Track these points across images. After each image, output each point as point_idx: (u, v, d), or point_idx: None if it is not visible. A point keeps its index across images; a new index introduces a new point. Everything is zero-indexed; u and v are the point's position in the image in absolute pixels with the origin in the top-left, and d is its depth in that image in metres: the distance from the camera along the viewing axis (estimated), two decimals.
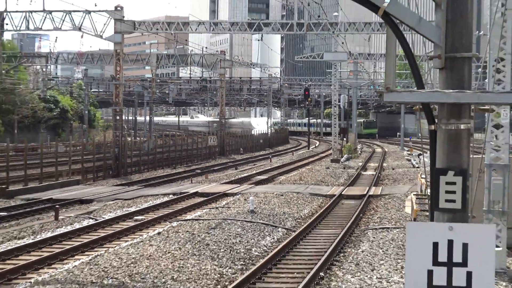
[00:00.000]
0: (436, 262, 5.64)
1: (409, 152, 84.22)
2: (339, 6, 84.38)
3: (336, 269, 21.52)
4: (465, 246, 5.61)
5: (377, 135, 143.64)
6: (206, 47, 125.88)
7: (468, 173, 5.82)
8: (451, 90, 5.66)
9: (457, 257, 5.61)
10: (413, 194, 34.12)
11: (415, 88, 6.04)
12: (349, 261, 22.54)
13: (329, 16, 70.62)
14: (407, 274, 5.77)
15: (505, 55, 20.04)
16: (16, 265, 21.09)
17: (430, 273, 5.65)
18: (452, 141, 5.76)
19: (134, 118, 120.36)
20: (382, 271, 20.65)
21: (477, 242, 5.61)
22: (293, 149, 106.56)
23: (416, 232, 5.75)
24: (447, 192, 5.73)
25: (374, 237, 26.52)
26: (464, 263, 5.61)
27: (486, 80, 20.70)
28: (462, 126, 5.77)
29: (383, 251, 23.72)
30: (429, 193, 6.03)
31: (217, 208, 33.87)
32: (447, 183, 5.72)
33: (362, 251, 23.89)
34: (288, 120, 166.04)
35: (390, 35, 5.93)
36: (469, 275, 5.61)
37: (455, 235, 5.63)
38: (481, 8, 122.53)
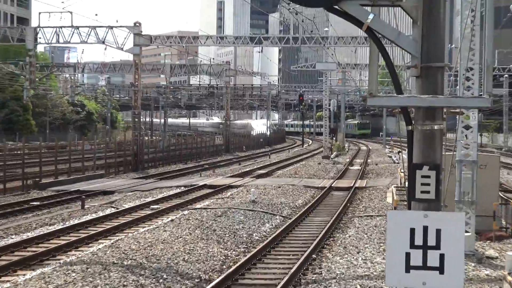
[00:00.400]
0: (413, 246, 5.64)
1: (390, 150, 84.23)
2: (329, 22, 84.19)
3: (327, 251, 21.55)
4: (438, 232, 5.61)
5: (357, 135, 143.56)
6: (213, 58, 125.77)
7: (441, 168, 5.82)
8: (426, 96, 5.66)
9: (431, 241, 5.61)
10: (394, 186, 34.15)
11: (395, 93, 6.04)
12: (337, 244, 22.56)
13: (320, 31, 70.58)
14: (388, 256, 5.77)
15: (474, 65, 20.11)
16: (48, 248, 21.13)
17: (408, 255, 5.65)
18: (427, 140, 5.76)
19: (150, 120, 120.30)
20: (366, 253, 20.68)
21: (448, 228, 5.61)
22: (289, 147, 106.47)
23: (396, 219, 5.75)
24: (422, 184, 5.74)
25: (359, 224, 26.55)
26: (437, 246, 5.61)
27: (457, 87, 20.67)
28: (435, 127, 5.77)
29: (367, 236, 23.74)
30: (407, 185, 6.04)
31: (222, 198, 33.92)
32: (422, 176, 5.72)
33: (349, 236, 23.92)
34: (285, 122, 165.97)
35: (373, 47, 5.94)
36: (441, 257, 5.61)
37: (430, 222, 5.63)
38: (453, 24, 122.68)
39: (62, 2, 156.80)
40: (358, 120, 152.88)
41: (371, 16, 5.69)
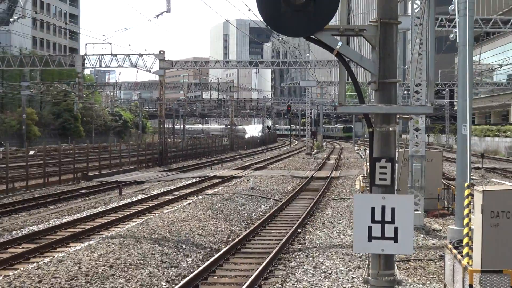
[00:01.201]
0: (373, 221, 5.65)
1: (358, 148, 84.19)
2: (310, 49, 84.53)
3: (309, 226, 21.56)
4: (393, 210, 5.62)
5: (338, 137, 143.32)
6: (220, 78, 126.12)
7: (394, 160, 5.82)
8: (383, 104, 5.66)
9: (388, 217, 5.62)
10: (361, 176, 34.19)
11: (359, 103, 6.04)
12: (317, 221, 22.57)
13: (303, 56, 70.63)
14: (355, 229, 5.77)
15: (421, 81, 20.17)
16: (93, 225, 21.19)
17: (370, 228, 5.66)
18: (384, 139, 5.76)
19: (172, 126, 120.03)
20: (340, 228, 20.69)
21: (401, 207, 5.62)
22: (280, 146, 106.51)
23: (360, 200, 5.75)
24: (381, 173, 5.74)
25: (334, 205, 26.56)
26: (392, 221, 5.62)
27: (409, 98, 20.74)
28: (390, 129, 5.77)
29: (340, 214, 23.75)
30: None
31: (228, 186, 33.89)
32: (380, 167, 5.72)
33: (326, 214, 23.93)
34: (277, 126, 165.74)
35: (342, 68, 5.94)
36: (396, 229, 5.62)
37: (386, 202, 5.64)
38: (405, 49, 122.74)
39: (103, 36, 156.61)
40: (344, 125, 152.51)
41: (339, 44, 5.69)
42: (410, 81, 20.41)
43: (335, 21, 5.94)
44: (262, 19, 5.60)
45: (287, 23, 5.51)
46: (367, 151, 19.13)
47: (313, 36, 5.67)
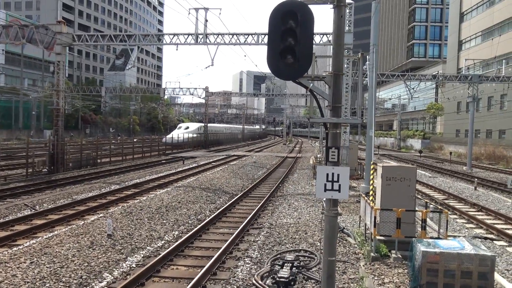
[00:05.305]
0: (327, 180, 5.59)
1: (311, 142, 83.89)
2: (286, 87, 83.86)
3: (285, 183, 21.52)
4: (338, 175, 5.57)
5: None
6: (237, 102, 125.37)
7: (340, 148, 5.77)
8: (334, 118, 5.62)
9: (335, 179, 5.57)
10: (313, 157, 34.03)
11: (321, 116, 6.00)
12: (289, 180, 22.53)
13: (282, 91, 70.19)
14: (317, 184, 5.72)
15: (356, 107, 20.05)
16: (169, 180, 21.06)
17: (325, 184, 5.60)
18: (334, 136, 5.71)
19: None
20: (302, 185, 20.65)
21: (342, 173, 5.58)
22: (269, 139, 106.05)
23: (321, 169, 5.69)
24: (331, 155, 5.69)
25: (299, 172, 26.51)
26: (337, 181, 5.58)
27: (350, 115, 20.74)
28: (337, 131, 5.72)
29: (302, 177, 23.71)
30: (319, 156, 5.98)
31: (241, 160, 33.74)
32: (331, 152, 5.68)
33: (295, 177, 23.88)
34: (267, 128, 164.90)
35: (312, 97, 5.88)
36: (339, 185, 5.57)
37: (335, 170, 5.59)
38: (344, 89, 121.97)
39: (176, 77, 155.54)
40: (312, 129, 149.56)
41: (311, 84, 5.63)
42: (349, 106, 20.35)
43: (309, 72, 5.88)
44: (270, 71, 5.53)
45: (284, 73, 5.45)
46: (317, 143, 19.06)
47: (297, 80, 5.62)
